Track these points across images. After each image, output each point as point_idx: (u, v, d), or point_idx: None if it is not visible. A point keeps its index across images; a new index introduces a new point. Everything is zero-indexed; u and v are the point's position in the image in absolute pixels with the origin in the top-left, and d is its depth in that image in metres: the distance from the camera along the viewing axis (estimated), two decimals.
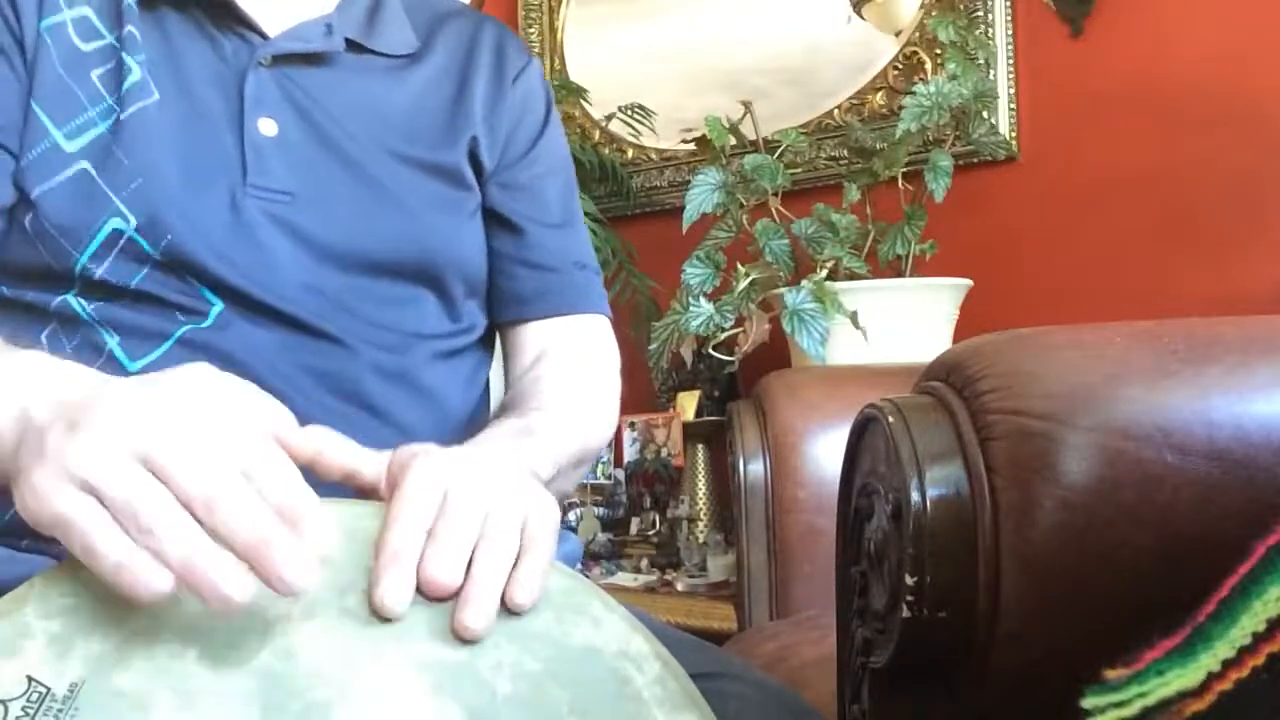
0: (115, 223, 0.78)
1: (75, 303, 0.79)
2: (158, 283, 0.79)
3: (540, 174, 0.97)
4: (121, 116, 0.81)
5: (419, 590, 0.56)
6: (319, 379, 0.81)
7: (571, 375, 0.93)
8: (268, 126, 0.84)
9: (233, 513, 0.51)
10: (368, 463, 0.62)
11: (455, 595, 0.56)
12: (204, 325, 0.79)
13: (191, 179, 0.80)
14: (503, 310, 0.96)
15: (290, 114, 0.85)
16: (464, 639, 0.55)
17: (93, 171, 0.79)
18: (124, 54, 0.83)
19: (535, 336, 0.96)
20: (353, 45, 0.90)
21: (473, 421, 0.92)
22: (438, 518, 0.58)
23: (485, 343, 0.97)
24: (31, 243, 0.79)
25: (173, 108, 0.82)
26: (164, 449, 0.52)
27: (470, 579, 0.56)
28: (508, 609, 0.57)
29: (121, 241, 0.78)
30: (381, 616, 0.55)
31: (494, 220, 0.95)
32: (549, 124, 1.00)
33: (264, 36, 0.86)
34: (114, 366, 0.78)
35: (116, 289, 0.79)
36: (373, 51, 0.91)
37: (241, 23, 0.86)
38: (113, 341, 0.79)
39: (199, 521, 0.51)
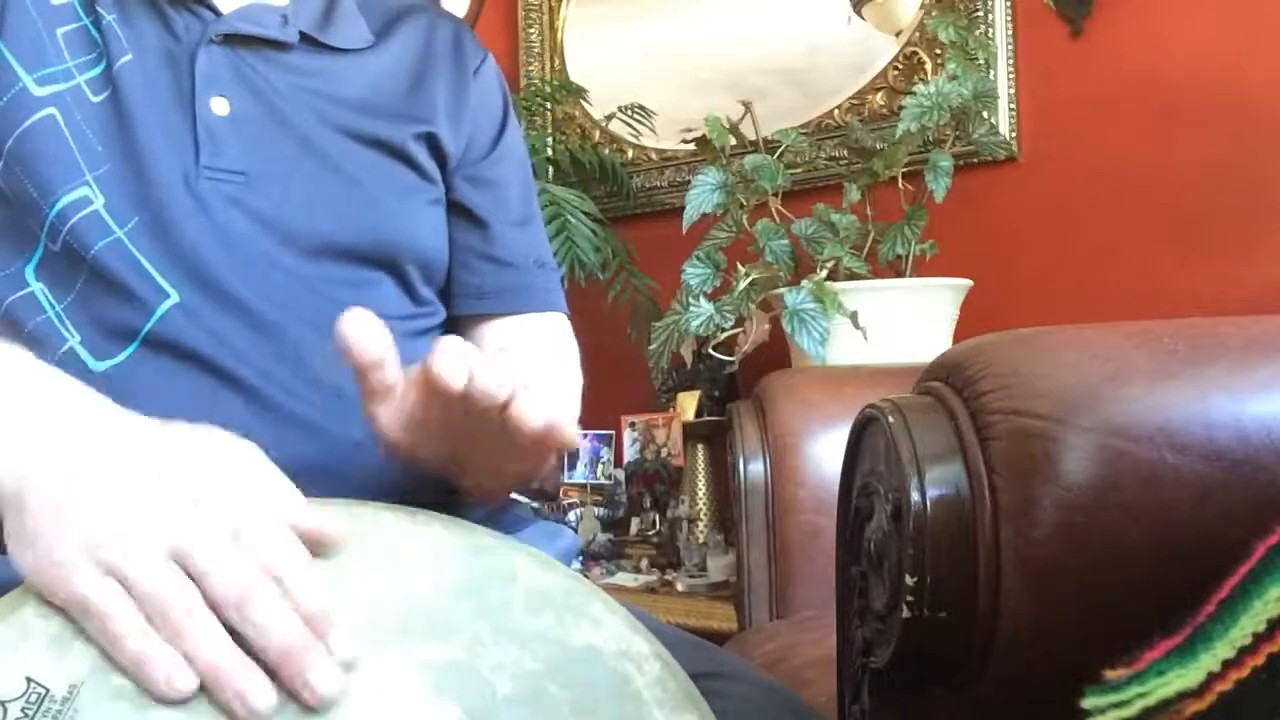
0: (84, 190, 0.77)
1: (36, 289, 0.78)
2: (116, 258, 0.77)
3: (504, 170, 0.97)
4: (81, 82, 0.80)
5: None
6: (286, 366, 0.80)
7: (535, 364, 0.93)
8: (220, 105, 0.83)
9: (266, 618, 0.51)
10: (396, 363, 0.62)
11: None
12: (162, 316, 0.77)
13: (155, 158, 0.79)
14: (463, 303, 0.96)
15: (243, 93, 0.84)
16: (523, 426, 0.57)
17: (61, 122, 0.78)
18: (88, 22, 0.82)
19: (494, 334, 0.96)
20: (306, 39, 0.89)
21: None
22: (479, 359, 0.59)
23: (447, 330, 0.96)
24: (4, 199, 0.78)
25: (136, 80, 0.81)
26: (199, 546, 0.51)
27: (516, 389, 0.58)
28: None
29: (88, 208, 0.77)
30: (441, 378, 0.57)
31: (459, 213, 0.95)
32: (508, 118, 1.00)
33: (217, 14, 0.85)
34: (77, 367, 0.76)
35: (73, 257, 0.77)
36: (327, 46, 0.90)
37: None
38: (74, 340, 0.77)
39: (228, 622, 0.51)
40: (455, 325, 0.98)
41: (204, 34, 0.84)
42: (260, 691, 0.50)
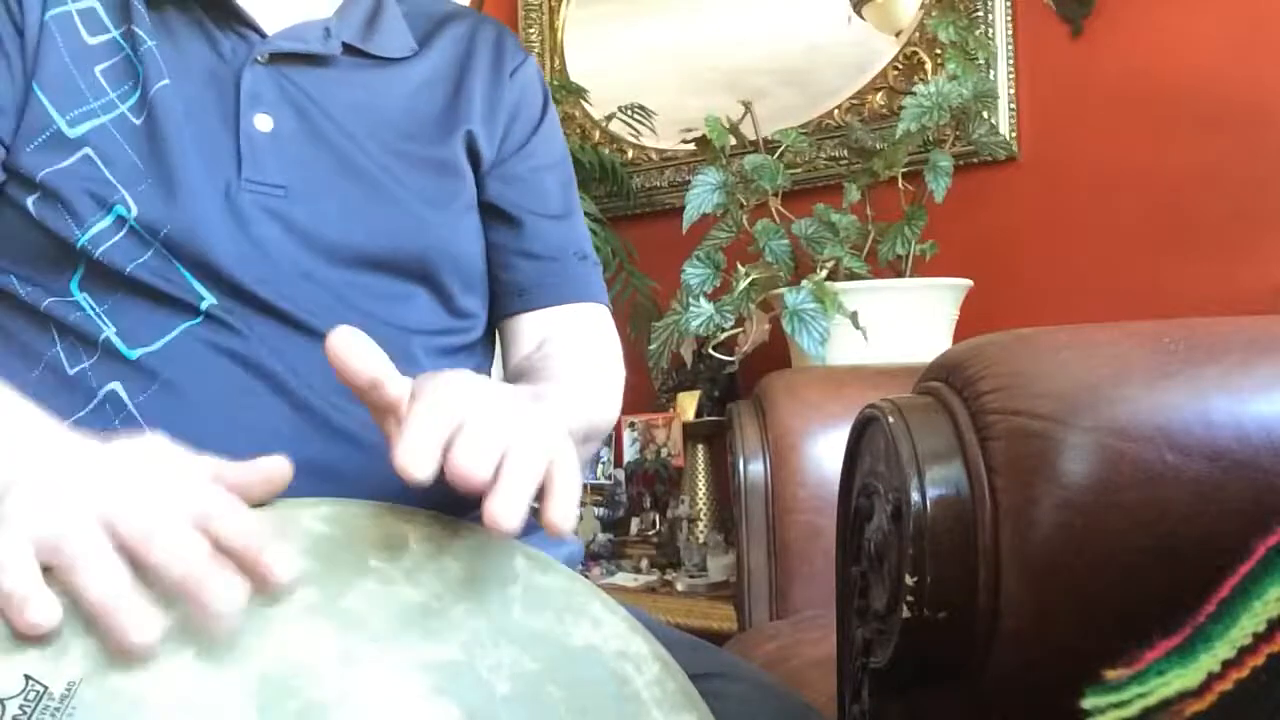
0: (119, 209, 0.79)
1: (73, 290, 0.80)
2: (152, 271, 0.79)
3: (538, 166, 0.98)
4: (124, 110, 0.82)
5: (444, 481, 0.55)
6: (317, 370, 0.80)
7: (578, 356, 0.93)
8: (263, 122, 0.84)
9: (164, 553, 0.52)
10: (395, 378, 0.60)
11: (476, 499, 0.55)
12: (198, 322, 0.79)
13: (189, 173, 0.81)
14: (504, 303, 0.96)
15: (286, 110, 0.86)
16: (497, 528, 0.54)
17: (96, 159, 0.80)
18: (129, 50, 0.84)
19: (537, 325, 0.96)
20: (350, 49, 0.90)
21: None
22: (466, 415, 0.56)
23: (486, 342, 0.97)
24: (33, 225, 0.79)
25: (175, 102, 0.83)
26: (119, 504, 0.54)
27: (500, 474, 0.55)
28: (545, 531, 0.56)
29: (124, 229, 0.79)
30: (404, 479, 0.54)
31: (492, 213, 0.95)
32: (546, 117, 1.00)
33: (262, 35, 0.87)
34: (112, 354, 0.78)
35: (112, 274, 0.79)
36: (370, 55, 0.92)
37: (240, 21, 0.87)
38: (110, 331, 0.79)
39: (138, 563, 0.53)
40: (500, 330, 0.98)
41: (249, 55, 0.86)
42: (143, 626, 0.51)
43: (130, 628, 0.51)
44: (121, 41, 0.84)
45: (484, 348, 0.96)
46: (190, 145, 0.82)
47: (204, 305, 0.80)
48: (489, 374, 0.98)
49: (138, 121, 0.82)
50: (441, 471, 0.56)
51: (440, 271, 0.88)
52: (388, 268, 0.86)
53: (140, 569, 0.53)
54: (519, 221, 0.95)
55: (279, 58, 0.87)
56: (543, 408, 0.65)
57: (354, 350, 0.59)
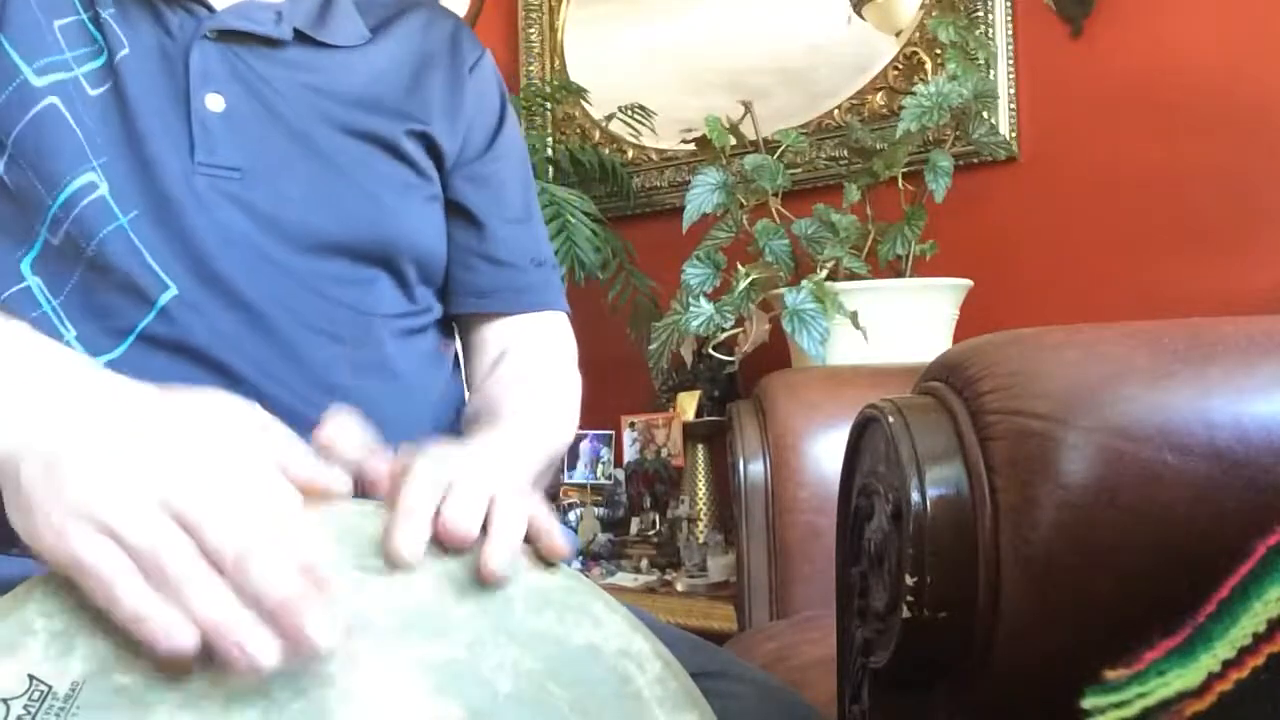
0: (90, 175, 0.78)
1: (24, 271, 0.78)
2: (115, 251, 0.78)
3: (501, 168, 0.98)
4: (80, 74, 0.80)
5: (435, 541, 0.57)
6: (283, 362, 0.80)
7: (534, 379, 0.94)
8: (214, 102, 0.83)
9: (265, 570, 0.50)
10: (374, 458, 0.62)
11: (466, 550, 0.57)
12: (161, 309, 0.78)
13: (159, 149, 0.80)
14: (461, 302, 0.96)
15: (237, 89, 0.84)
16: (488, 580, 0.56)
17: (64, 111, 0.79)
18: (86, 17, 0.82)
19: (495, 335, 0.97)
20: (301, 36, 0.89)
21: (443, 401, 0.92)
22: (451, 485, 0.58)
23: (443, 326, 0.97)
24: (5, 193, 0.78)
25: (136, 74, 0.82)
26: (193, 501, 0.51)
27: (490, 525, 0.58)
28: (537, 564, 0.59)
29: (92, 195, 0.78)
30: (392, 564, 0.56)
31: (456, 212, 0.95)
32: (506, 116, 1.00)
33: (211, 11, 0.85)
34: None
35: (72, 250, 0.78)
36: (321, 43, 0.90)
37: None
38: (70, 335, 0.78)
39: (226, 577, 0.50)
40: (459, 324, 0.98)
41: (198, 30, 0.84)
42: (262, 645, 0.49)
43: (253, 657, 0.50)
44: (77, 5, 0.82)
45: (442, 329, 0.96)
46: (153, 122, 0.80)
47: (166, 296, 0.78)
48: (453, 354, 0.98)
49: (94, 92, 0.80)
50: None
51: (399, 257, 0.88)
52: (349, 252, 0.85)
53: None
54: (481, 223, 0.95)
55: (228, 35, 0.85)
56: (510, 466, 0.68)
57: (342, 436, 0.62)
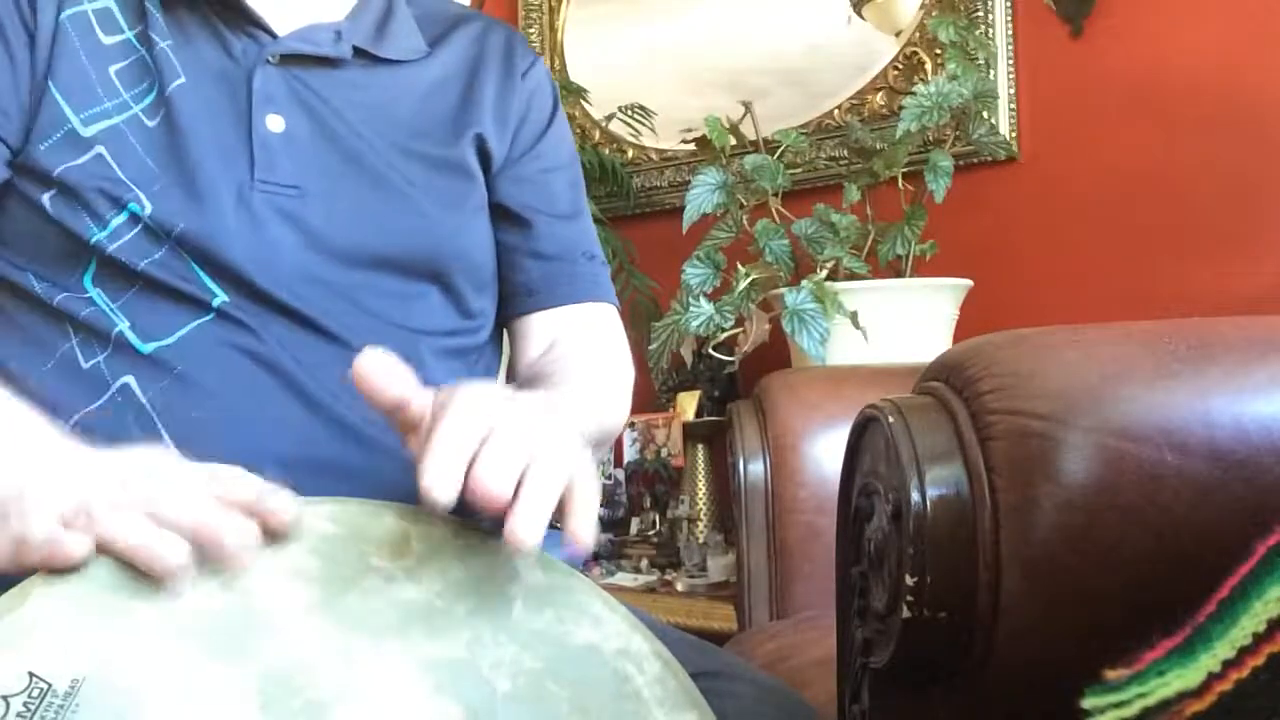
0: (133, 207, 0.80)
1: (86, 285, 0.80)
2: (165, 268, 0.80)
3: (547, 167, 0.98)
4: (138, 111, 0.83)
5: (466, 498, 0.56)
6: (328, 368, 0.81)
7: (587, 358, 0.94)
8: (275, 123, 0.85)
9: (176, 507, 0.56)
10: (418, 396, 0.62)
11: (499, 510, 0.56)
12: (211, 319, 0.80)
13: (206, 172, 0.81)
14: (513, 304, 0.96)
15: (297, 111, 0.86)
16: (517, 546, 0.55)
17: (108, 157, 0.81)
18: (144, 51, 0.85)
19: (546, 325, 0.96)
20: (360, 53, 0.91)
21: None
22: (489, 432, 0.57)
23: (494, 343, 0.97)
24: (48, 222, 0.80)
25: (191, 101, 0.84)
26: (130, 477, 0.57)
27: (521, 490, 0.56)
28: (567, 550, 0.58)
29: (137, 226, 0.80)
30: (429, 502, 0.55)
31: (501, 214, 0.95)
32: (555, 119, 1.01)
33: (273, 36, 0.88)
34: (125, 349, 0.79)
35: (125, 270, 0.80)
36: (381, 58, 0.92)
37: (251, 22, 0.87)
38: (123, 325, 0.80)
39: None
40: (508, 327, 0.98)
41: (260, 55, 0.86)
42: (173, 550, 0.55)
43: (162, 554, 0.55)
44: (136, 43, 0.85)
45: (492, 349, 0.96)
46: (207, 145, 0.83)
47: (216, 303, 0.80)
48: (496, 376, 0.98)
49: (151, 123, 0.83)
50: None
51: (451, 272, 0.89)
52: (399, 268, 0.86)
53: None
54: (528, 222, 0.96)
55: (290, 59, 0.87)
56: (560, 419, 0.65)
57: (379, 373, 0.61)
